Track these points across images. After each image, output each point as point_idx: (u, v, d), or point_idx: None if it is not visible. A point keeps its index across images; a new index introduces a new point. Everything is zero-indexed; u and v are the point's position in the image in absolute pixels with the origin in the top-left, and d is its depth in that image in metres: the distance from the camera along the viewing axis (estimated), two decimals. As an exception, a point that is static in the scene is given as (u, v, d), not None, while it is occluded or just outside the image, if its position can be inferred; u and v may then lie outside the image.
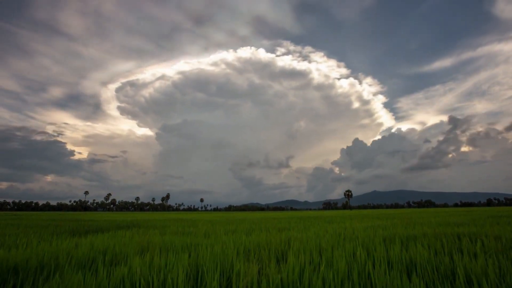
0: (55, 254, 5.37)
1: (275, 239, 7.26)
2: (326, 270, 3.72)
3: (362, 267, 4.18)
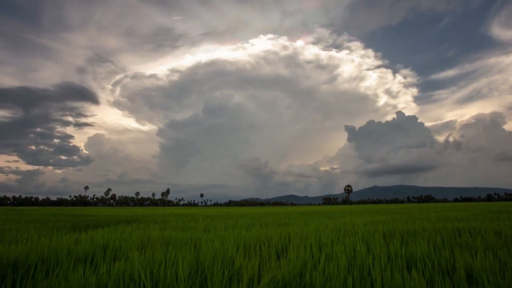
0: (55, 249, 5.37)
1: (275, 234, 7.26)
2: (327, 265, 3.71)
3: (362, 262, 4.18)
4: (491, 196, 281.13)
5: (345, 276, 3.52)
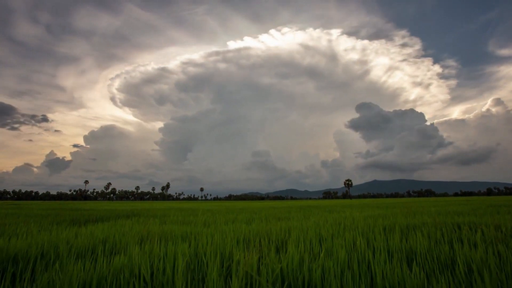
0: (55, 243, 5.37)
1: (275, 228, 7.26)
2: (326, 259, 3.70)
3: (362, 256, 4.17)
4: (491, 190, 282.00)
5: (342, 269, 3.51)
